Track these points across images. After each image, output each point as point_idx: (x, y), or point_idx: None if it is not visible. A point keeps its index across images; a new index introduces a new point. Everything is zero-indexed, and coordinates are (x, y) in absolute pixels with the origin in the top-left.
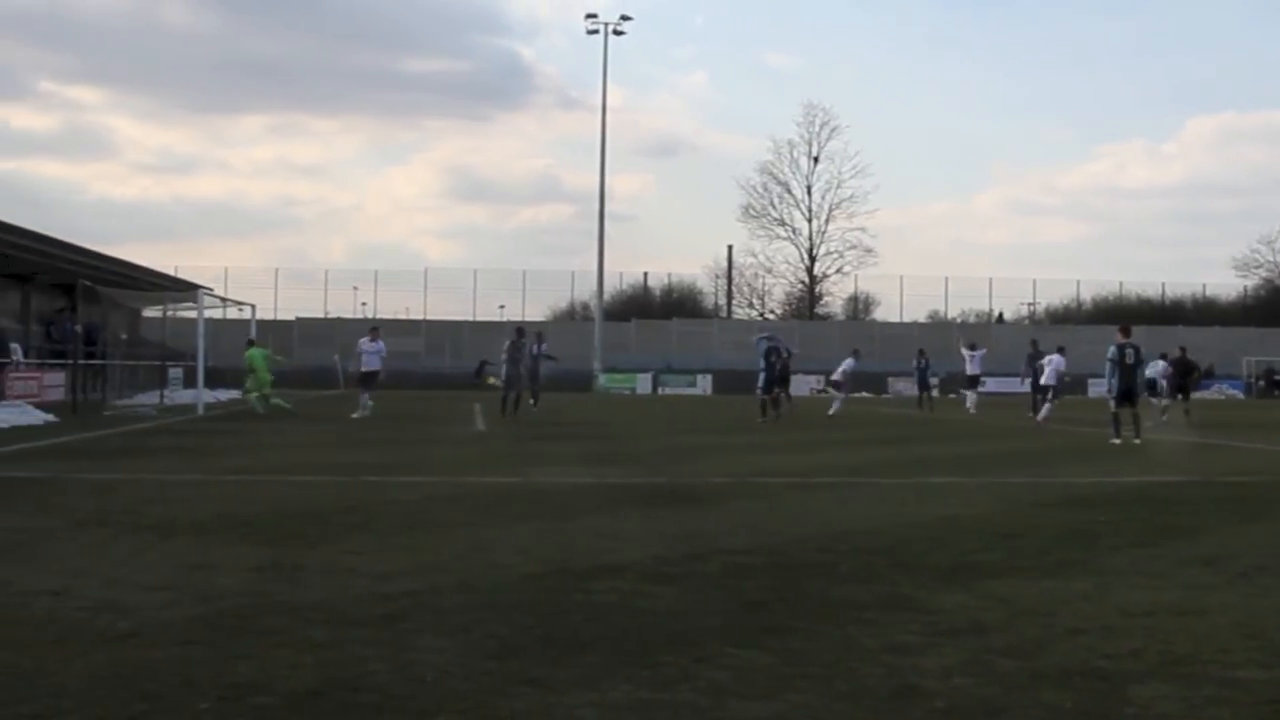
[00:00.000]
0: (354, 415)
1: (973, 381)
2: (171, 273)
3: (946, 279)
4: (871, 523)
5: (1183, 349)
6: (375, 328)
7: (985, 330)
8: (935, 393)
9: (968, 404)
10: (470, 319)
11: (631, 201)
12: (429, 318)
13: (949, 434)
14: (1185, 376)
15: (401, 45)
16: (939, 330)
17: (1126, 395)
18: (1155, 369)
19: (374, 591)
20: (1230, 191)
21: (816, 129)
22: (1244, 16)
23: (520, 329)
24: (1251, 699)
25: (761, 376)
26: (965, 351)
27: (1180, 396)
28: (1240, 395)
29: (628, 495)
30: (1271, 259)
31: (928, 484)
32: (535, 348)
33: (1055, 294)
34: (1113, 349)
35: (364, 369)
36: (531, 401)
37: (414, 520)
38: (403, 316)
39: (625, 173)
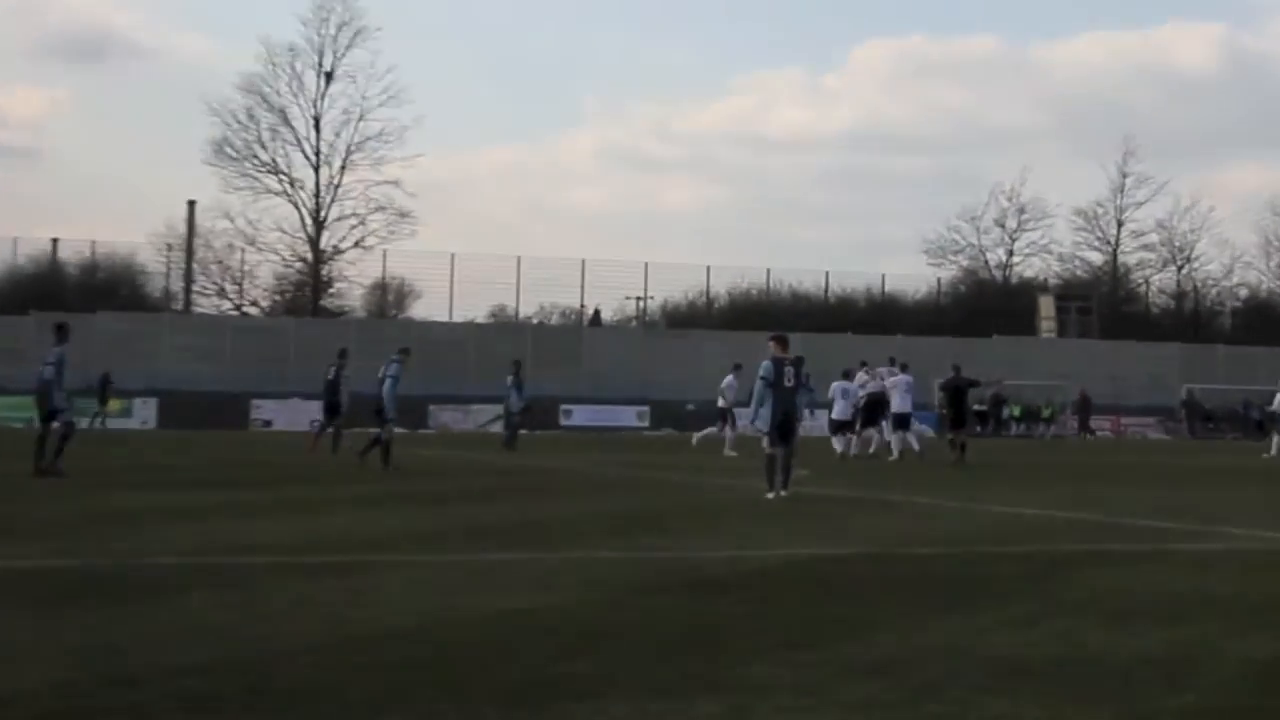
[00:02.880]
0: None
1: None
2: None
3: (519, 260)
4: (403, 622)
5: (955, 368)
6: None
7: (577, 335)
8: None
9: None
10: None
11: (32, 129)
12: None
13: (533, 486)
14: (959, 404)
15: None
16: (509, 334)
17: (784, 431)
18: (842, 392)
19: None
20: (918, 146)
21: (332, 32)
22: None
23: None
24: None
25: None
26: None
27: (954, 429)
28: (930, 431)
29: (20, 587)
30: (974, 242)
31: (488, 562)
32: None
33: (677, 284)
34: (766, 366)
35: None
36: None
37: None
38: None
39: (23, 84)
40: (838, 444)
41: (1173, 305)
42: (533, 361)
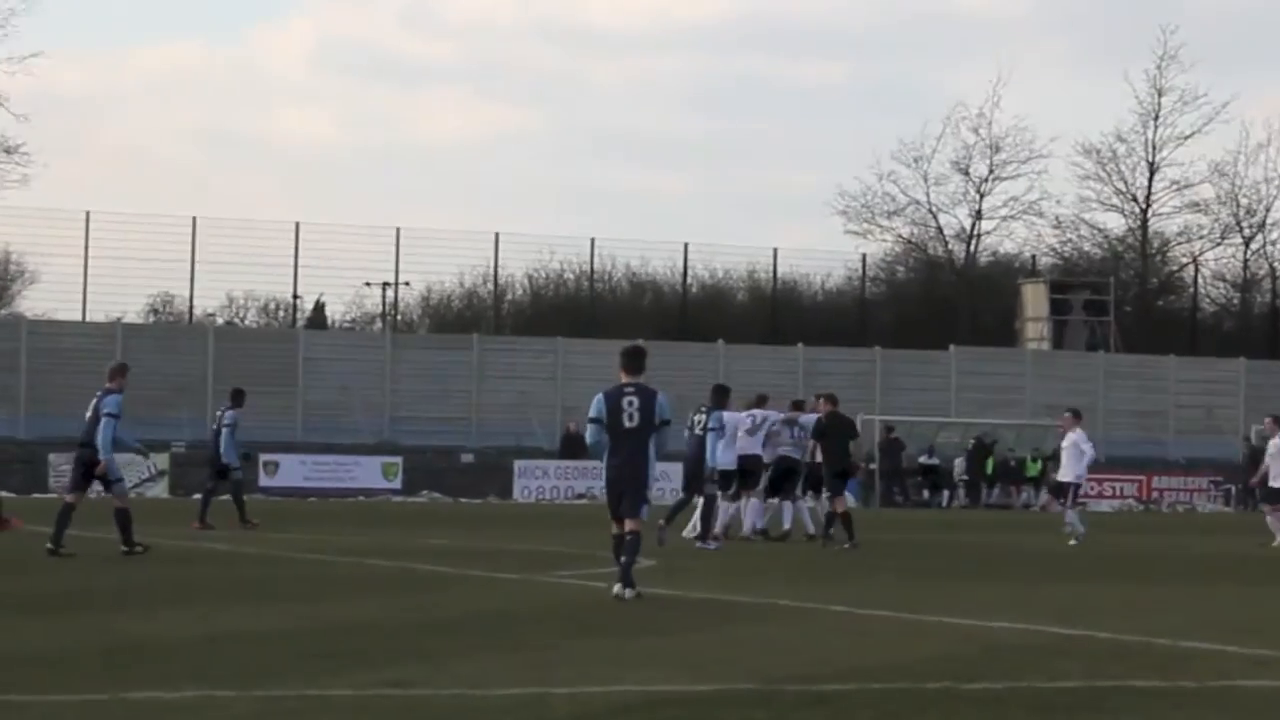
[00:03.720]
0: None
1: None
2: None
3: (195, 222)
4: None
5: (828, 398)
6: None
7: (287, 344)
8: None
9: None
10: None
11: None
12: None
13: (219, 583)
14: (837, 456)
15: None
16: (179, 340)
17: (625, 493)
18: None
19: None
20: (830, 43)
21: None
22: None
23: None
24: None
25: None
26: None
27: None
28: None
29: None
30: (921, 198)
31: (142, 705)
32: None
33: (447, 263)
34: (597, 402)
35: None
36: None
37: None
38: None
39: None
40: (723, 513)
41: (1236, 299)
42: (216, 384)
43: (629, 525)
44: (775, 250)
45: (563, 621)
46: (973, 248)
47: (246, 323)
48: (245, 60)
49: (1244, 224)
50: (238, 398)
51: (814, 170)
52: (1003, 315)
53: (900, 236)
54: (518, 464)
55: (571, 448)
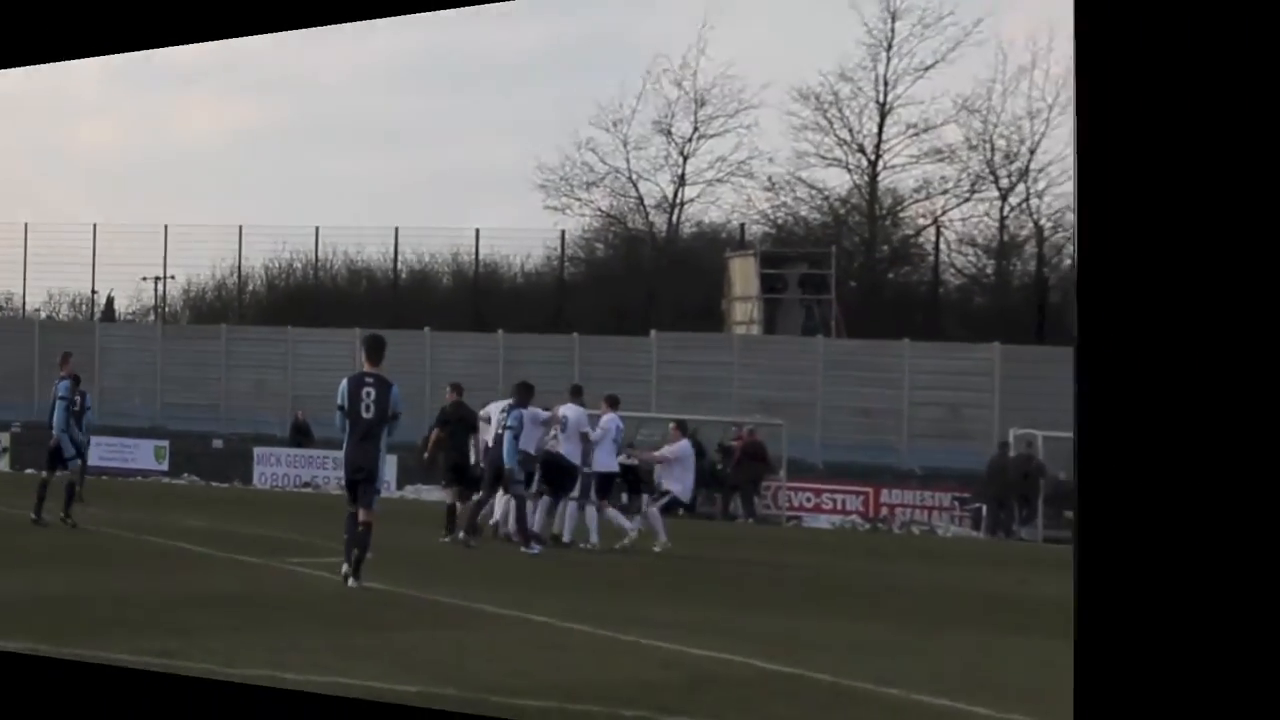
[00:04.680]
0: None
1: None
2: None
3: (26, 228)
4: None
5: (454, 387)
6: None
7: (89, 335)
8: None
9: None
10: None
11: None
12: None
13: None
14: (457, 447)
15: None
16: (13, 334)
17: (356, 481)
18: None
19: None
20: (525, 5)
21: None
22: None
23: None
24: None
25: None
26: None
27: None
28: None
29: None
30: (620, 166)
31: None
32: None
33: (204, 256)
34: (341, 388)
35: None
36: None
37: None
38: None
39: None
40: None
41: (990, 269)
42: (42, 371)
43: (362, 516)
44: (477, 231)
45: (299, 609)
46: (675, 218)
47: (60, 317)
48: (55, 80)
49: (1000, 173)
50: (75, 380)
51: (517, 144)
52: (709, 294)
53: (599, 210)
54: (256, 450)
55: (298, 436)
